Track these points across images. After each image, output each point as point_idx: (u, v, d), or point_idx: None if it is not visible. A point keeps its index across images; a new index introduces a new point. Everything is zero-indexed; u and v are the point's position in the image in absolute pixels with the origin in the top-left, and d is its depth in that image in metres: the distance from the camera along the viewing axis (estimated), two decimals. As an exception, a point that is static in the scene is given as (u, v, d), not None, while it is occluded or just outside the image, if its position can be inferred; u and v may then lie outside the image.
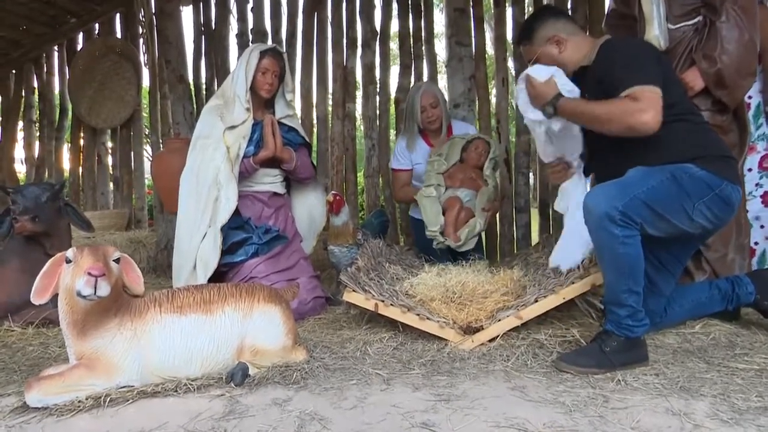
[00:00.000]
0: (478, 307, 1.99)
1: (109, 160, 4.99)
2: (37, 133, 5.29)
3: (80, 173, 5.04)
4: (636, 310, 1.68)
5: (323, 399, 1.47)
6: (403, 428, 1.30)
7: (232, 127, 2.58)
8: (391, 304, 2.02)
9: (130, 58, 4.77)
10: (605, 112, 1.73)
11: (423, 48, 3.92)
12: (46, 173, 5.13)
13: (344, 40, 4.05)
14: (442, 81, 4.01)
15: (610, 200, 1.63)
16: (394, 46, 4.22)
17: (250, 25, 4.19)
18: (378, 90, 4.01)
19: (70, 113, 5.09)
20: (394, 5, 3.97)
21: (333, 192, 2.72)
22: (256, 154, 2.62)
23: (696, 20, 2.19)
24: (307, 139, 2.99)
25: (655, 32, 2.16)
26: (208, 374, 1.61)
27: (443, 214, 2.76)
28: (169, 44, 3.89)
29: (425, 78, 3.90)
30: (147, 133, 5.58)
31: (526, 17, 3.48)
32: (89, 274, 1.38)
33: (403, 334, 2.06)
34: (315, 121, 4.12)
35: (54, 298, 1.52)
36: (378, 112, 4.00)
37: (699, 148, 1.74)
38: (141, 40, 4.69)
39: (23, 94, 5.29)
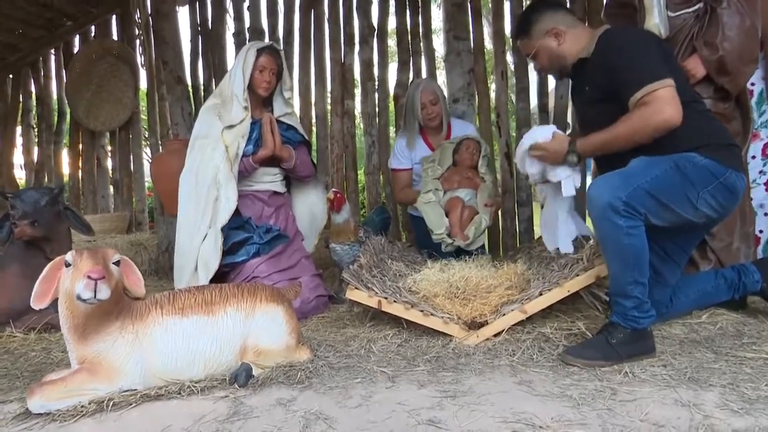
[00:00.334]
0: (483, 301, 1.98)
1: (109, 163, 4.98)
2: (36, 138, 5.29)
3: (80, 177, 5.03)
4: (642, 301, 1.66)
5: (328, 398, 1.46)
6: (410, 426, 1.28)
7: (231, 127, 2.56)
8: (395, 301, 2.01)
9: (127, 60, 4.76)
10: (626, 130, 1.72)
11: (421, 44, 3.89)
12: (46, 178, 5.12)
13: (342, 37, 4.03)
14: (441, 76, 3.99)
15: (613, 191, 1.61)
16: (391, 42, 4.20)
17: (247, 24, 4.18)
18: (377, 87, 3.99)
19: (68, 117, 5.07)
20: (391, 1, 3.95)
21: (334, 189, 2.70)
22: (255, 152, 2.60)
23: (696, 7, 2.17)
24: (306, 137, 2.97)
25: (656, 20, 2.14)
26: (212, 376, 1.59)
27: (446, 216, 2.74)
28: (166, 45, 3.87)
29: (424, 73, 3.88)
30: (146, 135, 5.57)
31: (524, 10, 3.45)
32: (89, 277, 1.36)
33: (408, 330, 2.04)
34: (314, 119, 4.11)
35: (55, 303, 1.50)
36: (377, 108, 3.99)
37: (702, 137, 1.73)
38: (137, 42, 4.69)
39: (21, 98, 5.28)
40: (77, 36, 5.02)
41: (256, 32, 4.12)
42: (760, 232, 2.42)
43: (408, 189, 3.12)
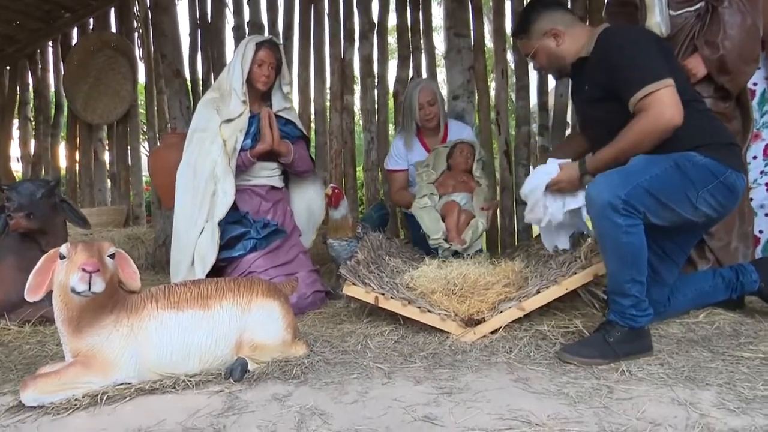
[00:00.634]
0: (480, 299, 1.97)
1: (106, 156, 4.95)
2: (33, 130, 5.26)
3: (77, 170, 5.00)
4: (639, 299, 1.66)
5: (324, 393, 1.45)
6: (405, 422, 1.28)
7: (229, 120, 2.55)
8: (392, 297, 2.00)
9: (126, 52, 4.73)
10: (632, 139, 1.72)
11: (421, 40, 3.88)
12: (43, 170, 5.09)
13: (342, 33, 4.01)
14: (441, 73, 3.98)
15: (612, 189, 1.60)
16: (391, 39, 4.18)
17: (247, 18, 4.15)
18: (376, 83, 3.97)
19: (65, 109, 5.04)
20: (392, -3, 3.94)
21: (332, 185, 2.68)
22: (254, 147, 2.59)
23: (698, 6, 2.16)
24: (305, 132, 2.96)
25: (657, 19, 2.13)
26: (207, 370, 1.58)
27: (443, 220, 2.72)
28: (165, 38, 3.86)
29: (424, 70, 3.86)
30: (144, 128, 5.55)
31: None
32: (83, 270, 1.35)
33: (404, 327, 2.04)
34: (313, 115, 4.09)
35: (50, 296, 1.49)
36: (376, 105, 3.97)
37: (703, 136, 1.72)
38: (136, 35, 4.67)
39: (18, 90, 5.24)
40: (75, 28, 4.98)
41: (256, 27, 4.09)
42: (760, 232, 2.42)
43: (404, 191, 3.10)
